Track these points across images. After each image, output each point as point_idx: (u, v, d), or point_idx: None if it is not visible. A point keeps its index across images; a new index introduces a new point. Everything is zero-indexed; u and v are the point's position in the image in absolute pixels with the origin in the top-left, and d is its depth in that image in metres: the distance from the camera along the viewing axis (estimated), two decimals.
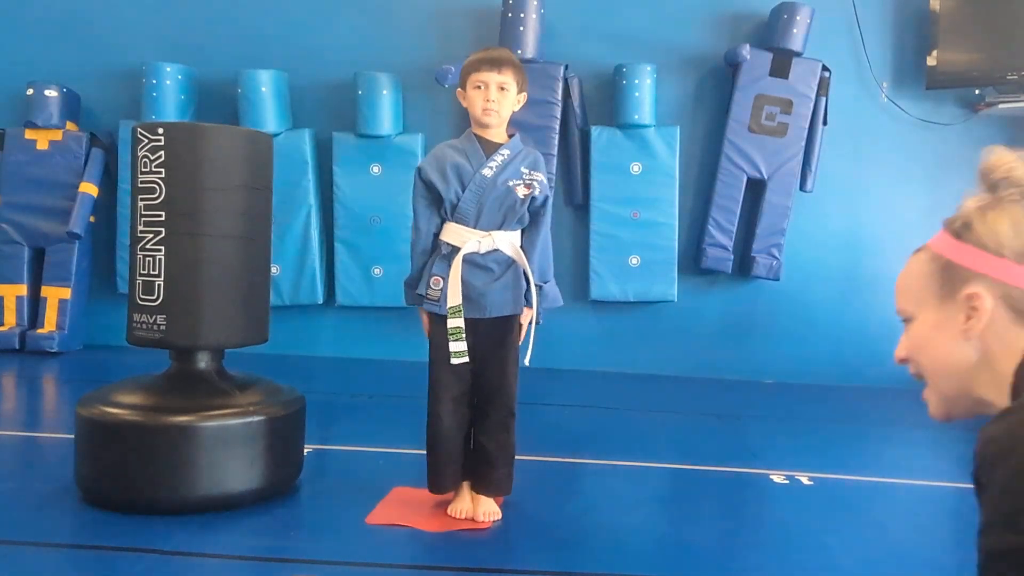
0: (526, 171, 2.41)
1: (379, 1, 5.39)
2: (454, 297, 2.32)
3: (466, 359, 2.33)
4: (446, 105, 5.36)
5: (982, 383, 1.08)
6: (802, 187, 5.17)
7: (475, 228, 2.38)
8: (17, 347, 5.09)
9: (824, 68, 5.07)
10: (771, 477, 3.02)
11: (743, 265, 5.21)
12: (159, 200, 2.41)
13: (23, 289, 5.24)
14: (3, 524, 2.26)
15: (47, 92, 5.19)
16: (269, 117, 5.11)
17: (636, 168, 5.12)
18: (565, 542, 2.21)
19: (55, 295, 5.20)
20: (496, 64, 2.37)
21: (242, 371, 2.65)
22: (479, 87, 2.37)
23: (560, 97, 5.06)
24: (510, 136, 2.47)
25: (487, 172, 2.37)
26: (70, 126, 5.31)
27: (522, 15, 4.98)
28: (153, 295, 2.42)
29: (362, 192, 5.18)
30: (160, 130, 2.42)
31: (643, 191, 5.11)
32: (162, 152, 2.40)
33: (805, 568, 2.19)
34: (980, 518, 0.95)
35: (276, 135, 5.07)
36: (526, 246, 2.46)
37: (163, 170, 2.40)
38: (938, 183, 5.25)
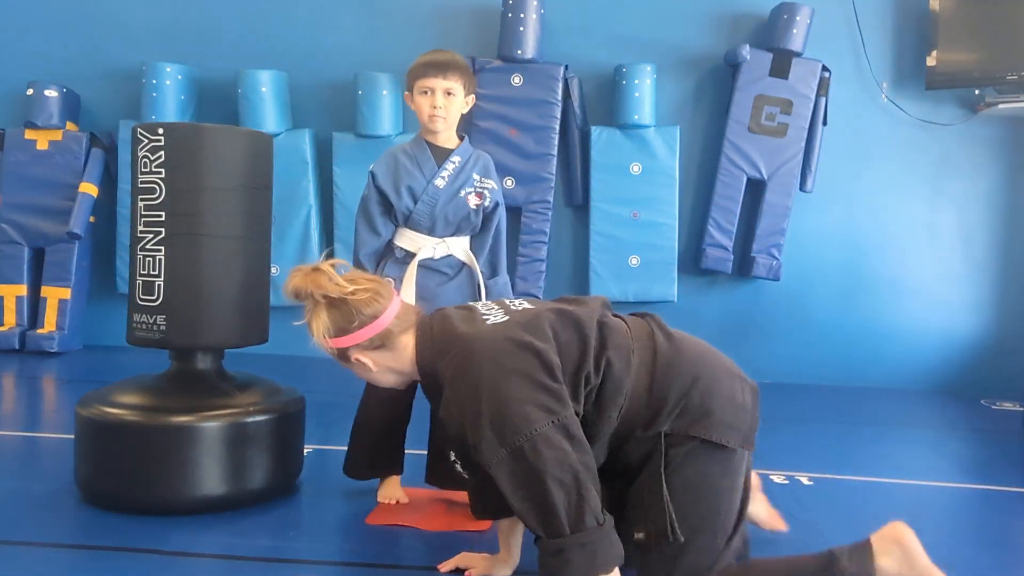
0: (478, 178, 2.46)
1: (379, 1, 5.39)
2: (408, 299, 2.35)
3: None
4: None
5: (404, 374, 1.85)
6: (802, 187, 5.17)
7: (430, 235, 2.44)
8: (17, 347, 5.09)
9: (824, 68, 5.07)
10: (771, 477, 3.02)
11: (743, 265, 5.21)
12: (159, 200, 2.41)
13: (23, 289, 5.24)
14: (3, 524, 2.26)
15: (47, 92, 5.20)
16: (269, 117, 5.11)
17: (636, 168, 5.12)
18: None
19: (55, 295, 5.21)
20: (442, 69, 2.37)
21: (242, 371, 2.65)
22: (425, 93, 2.39)
23: (560, 97, 5.06)
24: (460, 139, 2.49)
25: (439, 183, 2.42)
26: (70, 126, 5.32)
27: (522, 15, 4.98)
28: (153, 295, 2.42)
29: (362, 192, 5.17)
30: (160, 130, 2.42)
31: (643, 191, 5.11)
32: (162, 152, 2.40)
33: None
34: (476, 454, 1.63)
35: (276, 135, 5.07)
36: (476, 247, 2.51)
37: (163, 170, 2.40)
38: (938, 183, 5.25)
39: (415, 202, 2.41)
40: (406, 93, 2.47)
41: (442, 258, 2.46)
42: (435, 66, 2.38)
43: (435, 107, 2.38)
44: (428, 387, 1.84)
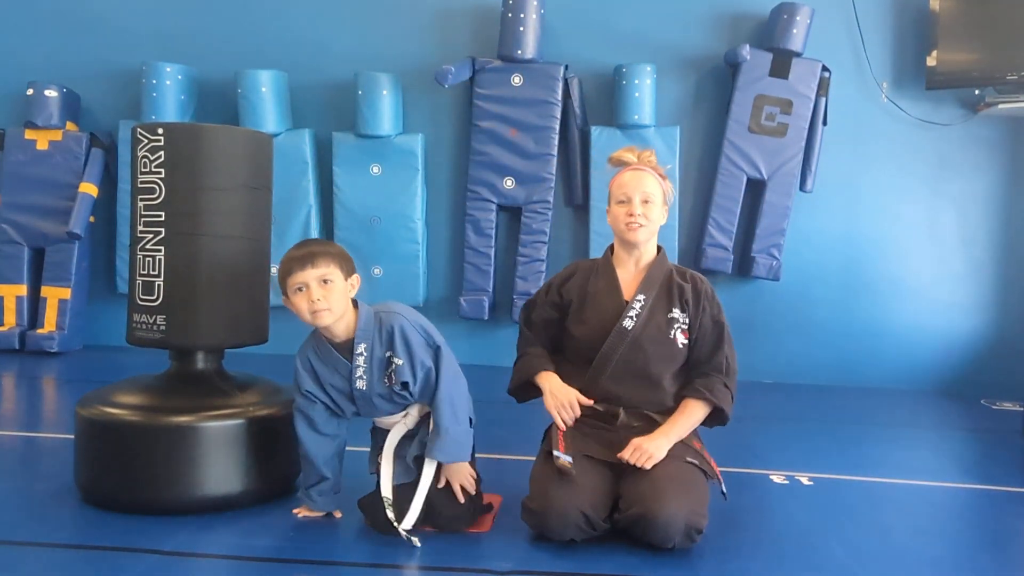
0: (387, 354, 2.24)
1: (379, 1, 5.39)
2: (386, 488, 2.26)
3: (416, 540, 2.20)
4: (446, 105, 5.37)
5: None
6: (802, 187, 5.17)
7: (391, 416, 2.35)
8: (17, 347, 5.10)
9: (824, 68, 5.07)
10: (771, 477, 3.02)
11: (743, 265, 5.21)
12: (159, 200, 2.41)
13: (23, 289, 5.25)
14: (3, 524, 2.26)
15: (47, 92, 5.20)
16: (269, 117, 5.11)
17: None
18: (565, 542, 2.21)
19: (55, 295, 5.21)
20: (307, 260, 2.15)
21: (242, 371, 2.65)
22: (300, 289, 2.17)
23: (560, 97, 5.06)
24: (357, 315, 2.26)
25: (361, 385, 2.25)
26: (70, 126, 5.32)
27: (522, 15, 4.98)
28: (153, 295, 2.42)
29: (362, 192, 5.18)
30: (160, 130, 2.42)
31: None
32: (162, 152, 2.41)
33: (805, 568, 2.19)
34: (709, 319, 2.48)
35: (276, 135, 5.08)
36: (432, 411, 2.29)
37: (163, 170, 2.41)
38: (938, 183, 5.26)
39: (353, 403, 2.29)
40: (283, 298, 2.23)
41: (416, 424, 2.35)
42: (300, 260, 2.16)
43: (314, 301, 2.16)
44: (657, 267, 2.44)
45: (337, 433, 2.36)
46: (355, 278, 2.26)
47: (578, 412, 2.36)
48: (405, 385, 2.26)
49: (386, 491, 2.26)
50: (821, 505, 2.74)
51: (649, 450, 2.26)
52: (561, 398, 2.37)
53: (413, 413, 2.36)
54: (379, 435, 2.40)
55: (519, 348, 2.55)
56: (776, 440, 3.72)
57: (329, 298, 2.17)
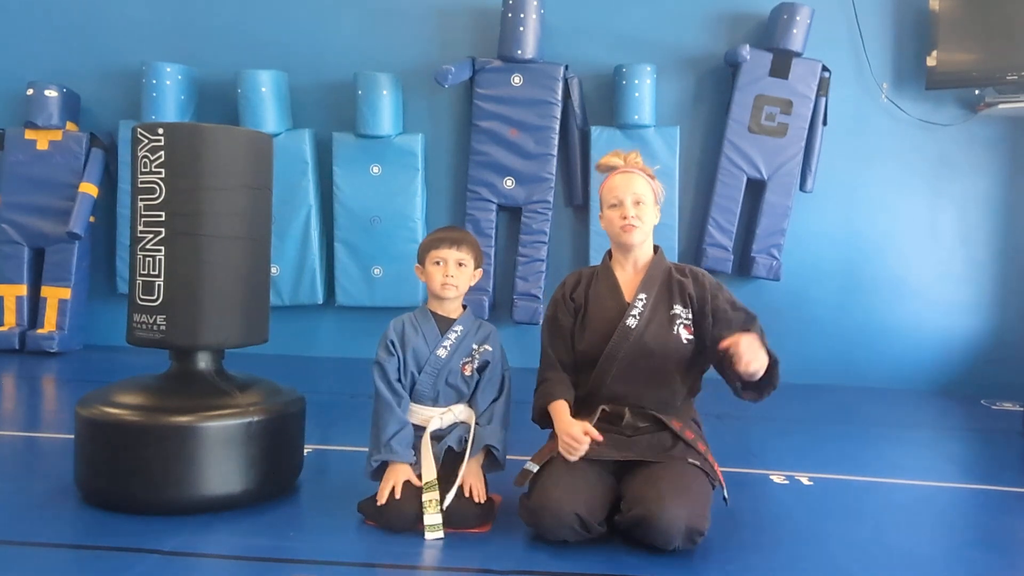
0: (476, 346, 2.48)
1: (379, 1, 5.39)
2: (428, 472, 2.33)
3: (440, 534, 2.25)
4: (446, 105, 5.37)
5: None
6: (802, 187, 5.17)
7: (434, 406, 2.45)
8: (17, 347, 5.10)
9: (824, 68, 5.07)
10: (771, 477, 3.02)
11: (743, 265, 5.21)
12: (159, 200, 2.41)
13: (23, 289, 5.25)
14: (3, 524, 2.26)
15: (47, 92, 5.20)
16: (269, 117, 5.11)
17: None
18: (564, 542, 2.21)
19: (55, 295, 5.21)
20: (455, 242, 2.47)
21: (242, 371, 2.65)
22: (438, 263, 2.46)
23: (560, 97, 5.06)
24: (464, 308, 2.54)
25: (441, 353, 2.44)
26: (70, 126, 5.32)
27: (522, 15, 4.98)
28: (153, 295, 2.42)
29: (362, 192, 5.18)
30: (160, 130, 2.42)
31: None
32: (162, 152, 2.41)
33: (805, 568, 2.19)
34: (725, 301, 2.40)
35: (276, 135, 5.07)
36: (488, 416, 2.46)
37: (163, 170, 2.41)
38: (938, 183, 5.26)
39: (419, 371, 2.43)
40: (416, 266, 2.53)
41: (449, 426, 2.46)
42: (449, 240, 2.47)
43: (447, 276, 2.44)
44: (655, 266, 2.45)
45: (404, 395, 2.44)
46: (479, 272, 2.55)
47: (583, 444, 2.25)
48: (482, 368, 2.47)
49: (428, 476, 2.31)
50: (821, 505, 2.74)
51: (755, 354, 2.12)
52: (565, 436, 2.28)
53: (454, 412, 2.45)
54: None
55: (541, 371, 2.50)
56: (776, 440, 3.73)
57: (459, 278, 2.47)
